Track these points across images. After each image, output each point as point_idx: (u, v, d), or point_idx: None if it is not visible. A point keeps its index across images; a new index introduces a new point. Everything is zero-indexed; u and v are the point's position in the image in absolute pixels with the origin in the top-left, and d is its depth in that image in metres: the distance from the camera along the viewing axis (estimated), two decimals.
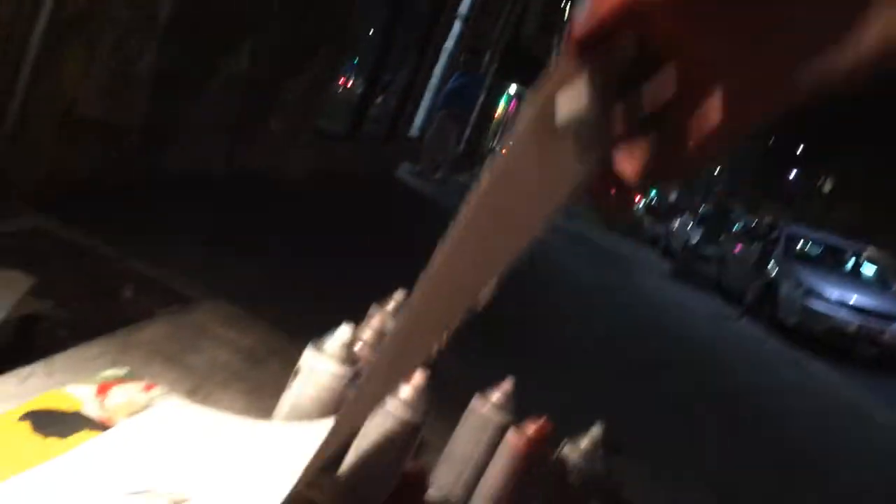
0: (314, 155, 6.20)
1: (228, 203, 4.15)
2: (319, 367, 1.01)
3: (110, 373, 0.94)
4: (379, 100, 8.56)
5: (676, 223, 14.85)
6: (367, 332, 1.18)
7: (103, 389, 0.89)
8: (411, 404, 0.99)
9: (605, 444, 1.21)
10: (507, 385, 1.19)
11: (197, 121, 3.57)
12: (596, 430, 1.20)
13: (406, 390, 1.00)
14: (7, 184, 2.22)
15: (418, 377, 1.01)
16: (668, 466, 2.38)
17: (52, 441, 0.75)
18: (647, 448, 2.22)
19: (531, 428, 1.12)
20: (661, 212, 17.53)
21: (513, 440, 1.12)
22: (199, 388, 1.16)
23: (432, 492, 1.18)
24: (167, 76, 3.31)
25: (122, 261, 2.17)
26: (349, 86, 15.64)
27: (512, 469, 1.11)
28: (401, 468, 1.02)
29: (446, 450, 1.21)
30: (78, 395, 0.86)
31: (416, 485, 1.11)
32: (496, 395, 1.19)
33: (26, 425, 0.75)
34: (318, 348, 1.02)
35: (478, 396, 1.20)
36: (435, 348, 0.68)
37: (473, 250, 0.51)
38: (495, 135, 20.36)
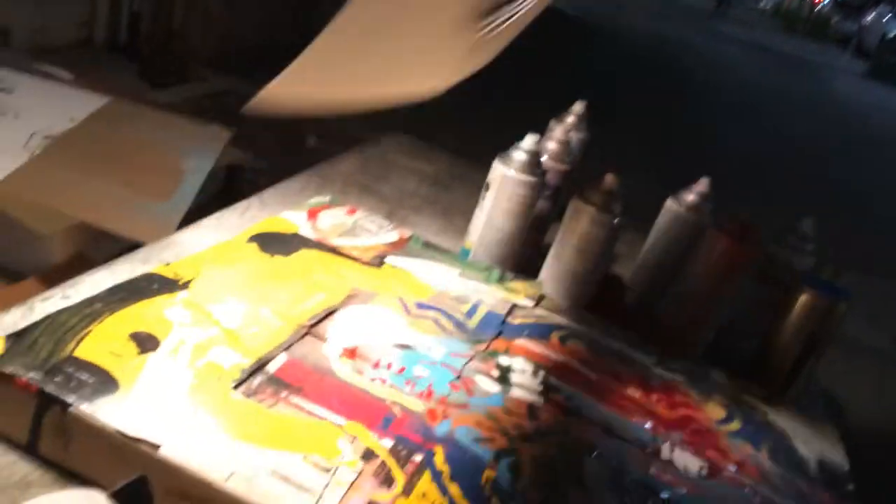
0: None
1: None
2: (509, 177, 1.01)
3: (316, 200, 1.00)
4: None
5: (870, 17, 13.19)
6: (551, 144, 1.16)
7: (313, 214, 0.95)
8: (608, 207, 0.98)
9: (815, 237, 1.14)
10: (702, 185, 1.14)
11: None
12: (804, 225, 1.14)
13: (599, 192, 0.98)
14: (189, 50, 2.35)
15: (611, 180, 0.99)
16: (886, 300, 2.23)
17: (278, 258, 0.81)
18: (853, 265, 2.08)
19: (733, 227, 1.08)
20: (852, 5, 15.60)
21: (712, 240, 1.08)
22: (395, 213, 1.21)
23: (630, 296, 1.18)
24: None
25: None
26: None
27: (713, 270, 1.08)
28: (600, 271, 1.02)
29: (641, 255, 1.20)
30: (293, 219, 0.92)
31: (615, 288, 1.12)
32: (691, 196, 1.15)
33: (255, 246, 0.82)
34: (506, 160, 1.02)
35: (672, 198, 1.16)
36: None
37: None
38: None
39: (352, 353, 0.69)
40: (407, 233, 1.00)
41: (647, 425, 0.75)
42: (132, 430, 0.51)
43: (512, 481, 0.59)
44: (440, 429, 0.63)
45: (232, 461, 0.52)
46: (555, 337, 0.85)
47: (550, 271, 1.02)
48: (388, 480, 0.55)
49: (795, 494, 0.73)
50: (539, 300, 0.94)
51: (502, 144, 1.07)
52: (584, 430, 0.70)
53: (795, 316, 1.00)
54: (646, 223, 1.18)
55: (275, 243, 0.84)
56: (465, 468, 0.59)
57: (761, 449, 0.79)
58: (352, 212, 0.99)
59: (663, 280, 1.16)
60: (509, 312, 0.88)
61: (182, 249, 0.88)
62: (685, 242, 1.14)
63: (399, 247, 0.95)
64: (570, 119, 1.28)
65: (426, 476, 0.57)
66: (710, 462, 0.73)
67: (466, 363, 0.74)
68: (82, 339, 0.59)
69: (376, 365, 0.68)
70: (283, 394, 0.60)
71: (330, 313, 0.74)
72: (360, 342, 0.71)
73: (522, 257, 1.07)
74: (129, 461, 0.51)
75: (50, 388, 0.53)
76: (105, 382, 0.55)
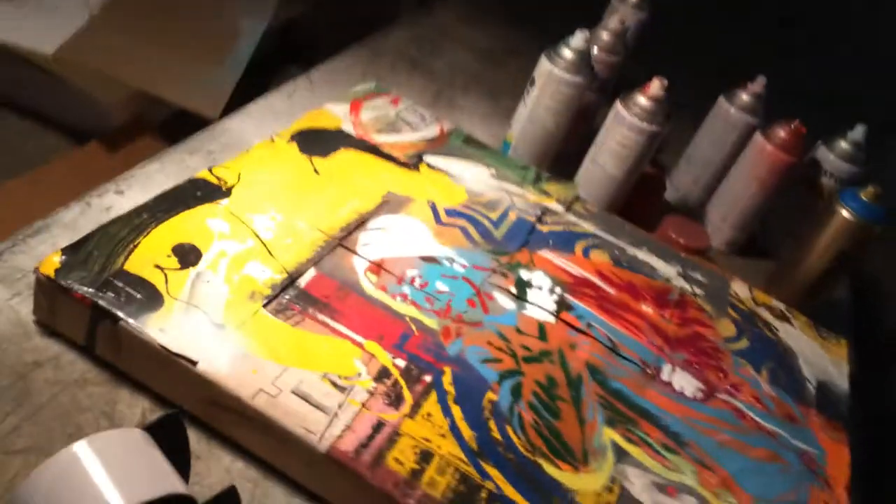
0: None
1: None
2: (555, 75, 1.00)
3: (360, 88, 1.01)
4: None
5: None
6: (604, 35, 1.13)
7: (355, 107, 0.96)
8: (650, 116, 0.97)
9: (867, 147, 1.11)
10: (756, 85, 1.11)
11: None
12: (857, 131, 1.11)
13: (643, 99, 0.97)
14: None
15: (657, 86, 0.97)
16: None
17: (317, 160, 0.85)
18: None
19: (782, 131, 1.06)
20: None
21: (760, 143, 1.07)
22: (442, 94, 1.21)
23: (670, 192, 1.19)
24: None
25: None
26: None
27: (757, 173, 1.08)
28: (638, 172, 1.03)
29: (686, 152, 1.20)
30: (336, 112, 0.94)
31: (653, 186, 1.13)
32: (743, 96, 1.12)
33: (294, 147, 0.86)
34: (554, 57, 1.00)
35: (723, 97, 1.14)
36: None
37: None
38: None
39: (377, 268, 0.74)
40: (448, 126, 1.01)
41: (654, 344, 0.79)
42: (173, 345, 0.58)
43: (511, 404, 0.66)
44: (452, 348, 0.68)
45: (259, 379, 0.59)
46: (579, 248, 0.89)
47: (586, 173, 1.03)
48: (397, 400, 0.62)
49: (785, 417, 0.78)
50: (572, 203, 0.96)
51: (569, 14, 1.03)
52: (590, 350, 0.75)
53: (828, 231, 1.01)
54: (696, 113, 1.16)
55: (315, 143, 0.87)
56: (469, 390, 0.65)
57: (762, 370, 0.83)
58: (395, 102, 1.01)
59: (706, 180, 1.16)
60: (539, 219, 0.91)
61: (228, 139, 0.92)
62: (733, 143, 1.13)
63: (439, 144, 0.97)
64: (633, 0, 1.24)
65: (432, 397, 0.63)
66: (707, 384, 0.78)
67: (486, 278, 0.78)
68: (131, 252, 0.65)
69: (400, 280, 0.73)
70: (310, 310, 0.66)
71: (362, 222, 0.78)
72: (387, 255, 0.75)
73: (565, 152, 1.08)
74: (170, 372, 0.59)
75: (102, 303, 0.60)
76: (152, 297, 0.62)
